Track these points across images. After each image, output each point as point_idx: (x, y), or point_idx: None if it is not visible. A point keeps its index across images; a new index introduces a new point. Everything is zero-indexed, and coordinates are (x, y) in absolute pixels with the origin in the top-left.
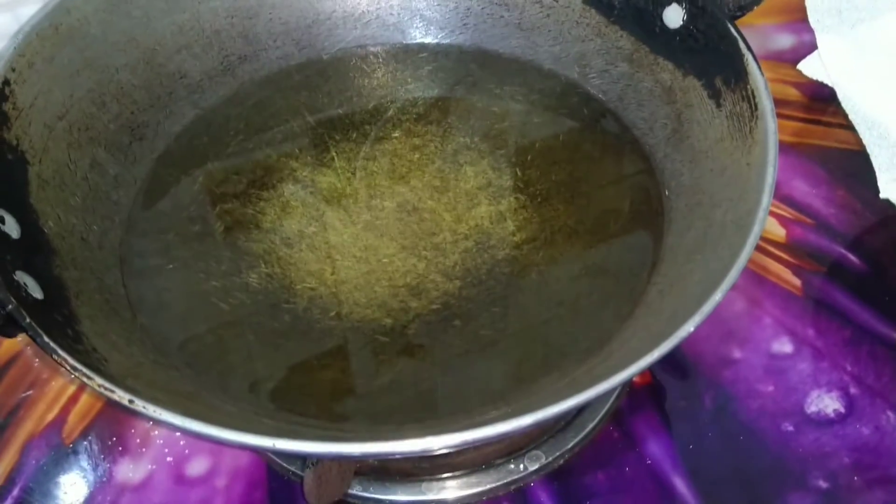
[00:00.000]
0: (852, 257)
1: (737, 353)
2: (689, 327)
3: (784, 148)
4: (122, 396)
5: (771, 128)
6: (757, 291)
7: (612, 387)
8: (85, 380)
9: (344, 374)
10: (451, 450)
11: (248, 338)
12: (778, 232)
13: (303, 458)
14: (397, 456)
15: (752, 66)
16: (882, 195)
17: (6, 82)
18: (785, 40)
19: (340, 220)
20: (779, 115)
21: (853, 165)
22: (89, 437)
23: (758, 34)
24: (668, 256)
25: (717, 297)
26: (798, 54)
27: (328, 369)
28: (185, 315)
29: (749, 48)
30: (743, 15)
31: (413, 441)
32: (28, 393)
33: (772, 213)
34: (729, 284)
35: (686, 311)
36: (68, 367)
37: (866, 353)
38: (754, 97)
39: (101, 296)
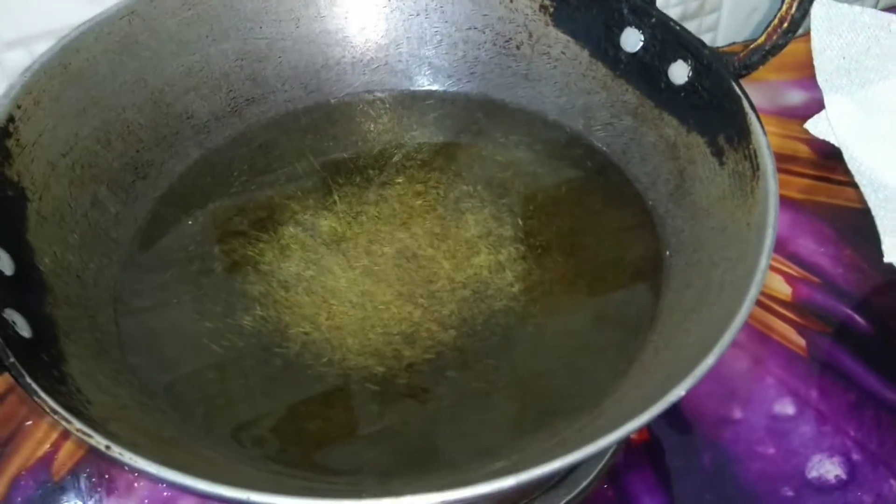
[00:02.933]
0: (858, 318)
1: (738, 413)
2: (679, 391)
3: (792, 205)
4: (99, 442)
5: (772, 188)
6: (760, 350)
7: (599, 450)
8: (63, 423)
9: (332, 422)
10: None
11: (238, 382)
12: (783, 290)
13: None
14: None
15: (754, 124)
16: (886, 259)
17: (11, 119)
18: (796, 96)
19: (339, 264)
20: (788, 172)
21: (861, 225)
22: (78, 475)
23: (769, 90)
24: (666, 314)
25: (710, 360)
26: (810, 111)
27: (316, 417)
28: (175, 356)
29: (752, 107)
30: (748, 73)
31: (393, 499)
32: (28, 423)
33: (778, 271)
34: (722, 348)
35: (679, 372)
36: (48, 410)
37: (870, 418)
38: (756, 156)
39: (92, 335)
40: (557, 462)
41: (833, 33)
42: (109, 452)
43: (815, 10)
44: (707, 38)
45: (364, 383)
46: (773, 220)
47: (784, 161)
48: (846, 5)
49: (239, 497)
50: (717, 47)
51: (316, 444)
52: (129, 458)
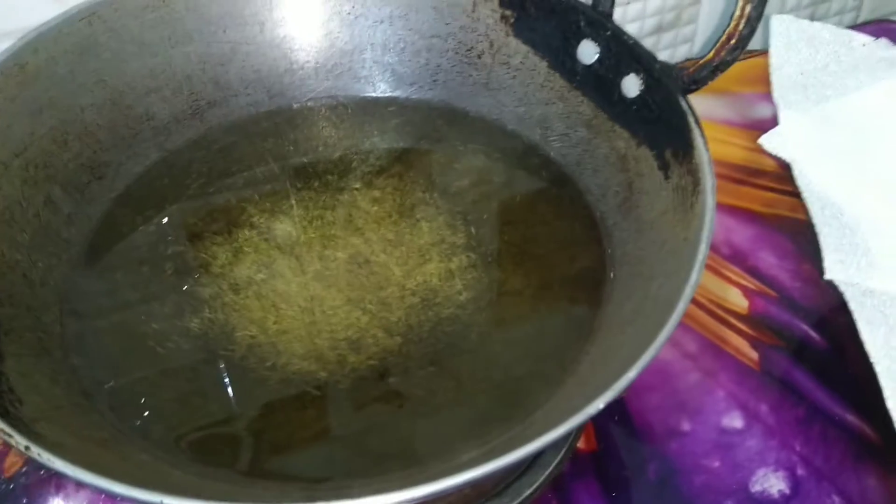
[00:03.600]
0: (813, 334)
1: (686, 425)
2: (598, 404)
3: (754, 218)
4: (19, 442)
5: (709, 204)
6: (713, 363)
7: (511, 462)
8: None
9: (268, 426)
10: None
11: (178, 384)
12: (740, 303)
13: None
14: None
15: (697, 140)
16: (826, 276)
17: None
18: (766, 110)
19: (291, 268)
20: (752, 185)
21: None
22: (29, 473)
23: (739, 102)
24: (605, 326)
25: (632, 374)
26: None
27: (254, 421)
28: (118, 357)
29: (697, 122)
30: (698, 88)
31: None
32: None
33: (736, 284)
34: (645, 362)
35: (607, 386)
36: None
37: (818, 434)
38: (697, 171)
39: (34, 334)
40: (468, 474)
41: (792, 49)
42: (28, 453)
43: (775, 26)
44: (683, 50)
45: (305, 388)
46: (706, 235)
47: (749, 174)
48: (807, 21)
49: (152, 500)
50: (694, 58)
51: (252, 448)
52: (47, 458)
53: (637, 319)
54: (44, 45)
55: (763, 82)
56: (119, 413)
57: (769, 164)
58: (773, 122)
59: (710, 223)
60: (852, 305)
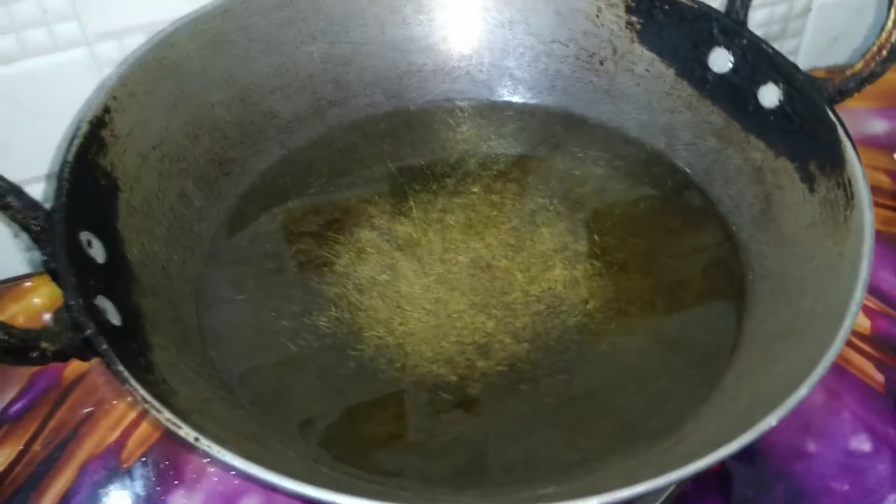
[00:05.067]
0: None
1: (812, 447)
2: (771, 421)
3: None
4: (188, 433)
5: (868, 219)
6: (837, 384)
7: (686, 476)
8: (153, 412)
9: (403, 428)
10: None
11: (313, 381)
12: (863, 323)
13: None
14: None
15: (850, 153)
16: None
17: (107, 110)
18: (879, 125)
19: (413, 270)
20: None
21: None
22: (147, 464)
23: (852, 117)
24: (748, 340)
25: (803, 392)
26: (892, 141)
27: (387, 422)
28: (253, 353)
29: (848, 135)
30: (843, 100)
31: None
32: (90, 409)
33: None
34: (816, 379)
35: (767, 402)
36: (139, 398)
37: None
38: (851, 185)
39: (176, 326)
40: (642, 486)
41: None
42: (198, 444)
43: None
44: None
45: (436, 391)
46: (868, 250)
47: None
48: None
49: (323, 498)
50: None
51: (386, 448)
52: (216, 451)
53: (790, 335)
54: (180, 40)
55: (875, 98)
56: (260, 408)
57: (885, 182)
58: (886, 138)
59: (871, 238)
60: None
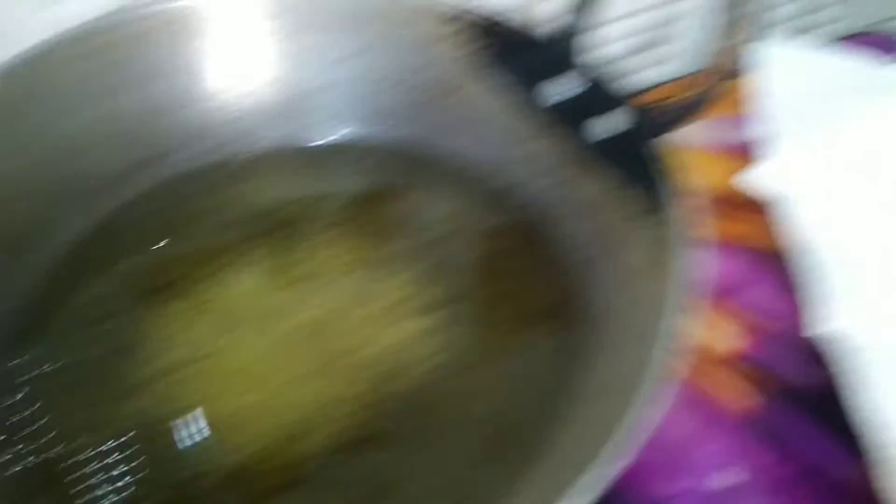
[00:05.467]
0: (812, 382)
1: (677, 484)
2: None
3: (743, 253)
4: None
5: (685, 255)
6: (702, 414)
7: None
8: None
9: None
10: None
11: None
12: (731, 348)
13: None
14: None
15: (674, 188)
16: (820, 324)
17: None
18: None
19: (251, 332)
20: (739, 218)
21: None
22: None
23: (721, 125)
24: (583, 393)
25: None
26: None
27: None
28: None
29: (674, 169)
30: (672, 130)
31: None
32: None
33: (725, 327)
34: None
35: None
36: None
37: (815, 489)
38: (673, 222)
39: None
40: None
41: (785, 76)
42: None
43: (768, 51)
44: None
45: (278, 467)
46: (683, 286)
47: (736, 207)
48: (804, 46)
49: None
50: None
51: None
52: None
53: (616, 380)
54: None
55: (735, 105)
56: None
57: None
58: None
59: (688, 274)
60: (849, 354)
